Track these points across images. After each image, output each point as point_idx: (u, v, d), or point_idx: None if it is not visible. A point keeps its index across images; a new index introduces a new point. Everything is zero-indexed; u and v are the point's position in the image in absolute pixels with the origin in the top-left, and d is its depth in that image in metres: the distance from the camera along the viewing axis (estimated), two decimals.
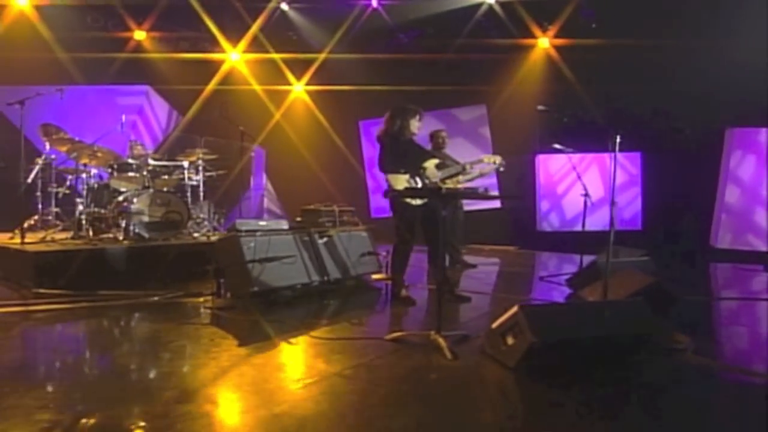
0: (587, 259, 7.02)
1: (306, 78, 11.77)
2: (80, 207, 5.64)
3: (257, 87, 11.02)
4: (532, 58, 10.07)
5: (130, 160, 5.91)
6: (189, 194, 6.53)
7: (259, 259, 4.31)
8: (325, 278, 4.88)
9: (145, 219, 5.64)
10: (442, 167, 4.53)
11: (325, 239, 5.06)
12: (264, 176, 12.09)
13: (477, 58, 9.79)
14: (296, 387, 2.44)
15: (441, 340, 3.05)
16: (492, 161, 4.92)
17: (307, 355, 2.96)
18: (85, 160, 5.67)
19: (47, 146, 5.74)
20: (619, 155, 9.46)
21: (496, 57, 9.75)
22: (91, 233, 5.37)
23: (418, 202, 4.15)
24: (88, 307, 3.98)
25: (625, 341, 2.77)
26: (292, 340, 3.22)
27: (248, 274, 4.26)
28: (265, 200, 12.26)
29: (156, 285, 4.69)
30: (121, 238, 5.47)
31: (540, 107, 3.91)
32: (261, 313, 3.95)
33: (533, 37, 9.78)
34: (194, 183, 6.45)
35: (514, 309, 2.71)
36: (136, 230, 5.55)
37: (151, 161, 5.96)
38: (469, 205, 10.45)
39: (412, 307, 4.28)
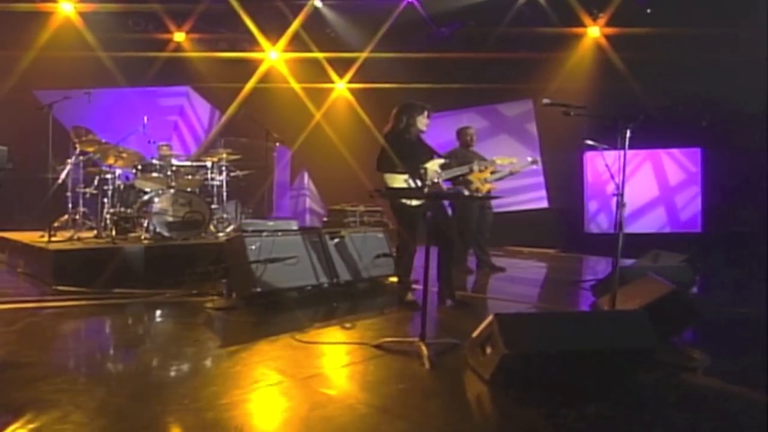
0: (625, 263, 6.73)
1: (348, 76, 11.89)
2: (107, 207, 5.92)
3: (295, 85, 11.19)
4: (581, 48, 9.70)
5: (155, 161, 6.14)
6: (215, 194, 6.74)
7: (262, 260, 4.38)
8: (335, 280, 4.90)
9: (167, 219, 5.86)
10: (448, 167, 4.43)
11: (336, 240, 5.08)
12: (306, 176, 12.30)
13: (522, 50, 9.57)
14: (242, 392, 2.45)
15: (424, 348, 2.98)
16: (507, 162, 4.78)
17: (279, 358, 2.97)
18: (111, 161, 5.94)
19: (77, 148, 6.06)
20: (677, 152, 9.19)
21: (542, 49, 9.48)
22: (114, 232, 5.61)
23: (415, 202, 4.08)
24: (94, 305, 4.16)
25: (619, 356, 2.61)
26: (275, 343, 3.25)
27: (251, 274, 4.34)
28: (307, 200, 12.48)
29: (170, 284, 4.85)
30: (143, 237, 5.71)
31: (545, 101, 3.75)
32: (259, 315, 4.02)
33: (582, 26, 9.41)
34: (218, 183, 6.62)
35: (490, 318, 2.62)
36: (157, 230, 5.78)
37: (174, 162, 6.17)
38: (512, 206, 10.26)
39: (416, 312, 4.22)
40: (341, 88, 12.25)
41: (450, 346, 3.20)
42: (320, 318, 4.02)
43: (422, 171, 4.14)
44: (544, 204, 10.04)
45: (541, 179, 10.08)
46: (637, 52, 8.49)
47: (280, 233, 4.66)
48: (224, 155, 6.67)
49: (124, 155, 5.96)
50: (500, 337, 2.47)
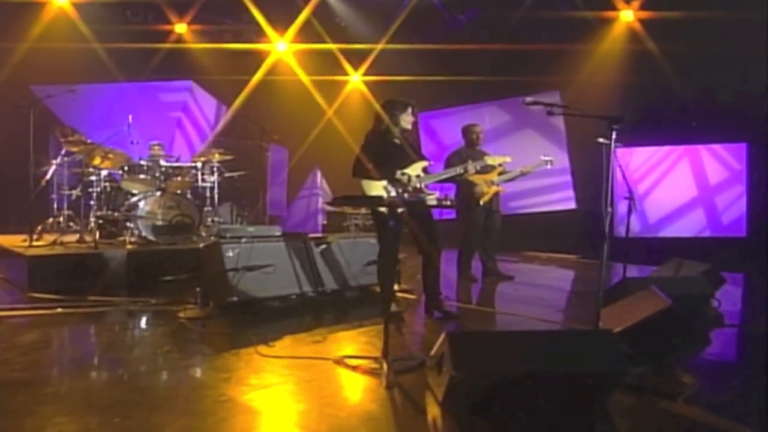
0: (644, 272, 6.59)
1: (363, 68, 11.94)
2: (93, 209, 6.11)
3: (305, 78, 11.29)
4: (612, 35, 9.53)
5: (143, 162, 6.32)
6: (207, 197, 6.89)
7: (239, 268, 4.47)
8: (320, 289, 4.96)
9: (154, 222, 6.02)
10: (432, 171, 4.43)
11: (322, 247, 5.14)
12: (319, 174, 12.41)
13: (546, 37, 9.45)
14: (173, 415, 2.52)
15: (384, 366, 3.01)
16: (499, 161, 4.74)
17: (232, 372, 3.04)
18: (97, 162, 6.14)
19: (63, 148, 6.28)
20: (719, 147, 8.94)
21: (568, 35, 9.34)
22: (97, 236, 5.80)
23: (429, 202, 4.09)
24: (63, 314, 4.31)
25: (584, 381, 2.58)
26: (236, 356, 3.32)
27: (228, 283, 4.44)
28: (320, 200, 12.59)
29: (150, 291, 5.00)
30: (128, 241, 5.88)
31: (527, 99, 3.72)
32: (231, 325, 4.12)
33: (614, 9, 9.24)
34: (209, 185, 6.76)
35: (442, 336, 2.63)
36: (143, 234, 5.95)
37: (162, 163, 6.33)
38: (535, 207, 10.16)
39: (403, 324, 4.26)
40: (356, 80, 12.32)
41: (417, 363, 3.21)
42: (295, 329, 4.07)
43: (402, 176, 4.16)
44: (572, 205, 9.91)
45: (568, 178, 9.95)
46: (675, 38, 8.29)
47: (258, 240, 4.73)
48: (216, 156, 6.81)
49: (111, 156, 6.14)
50: (450, 357, 2.48)
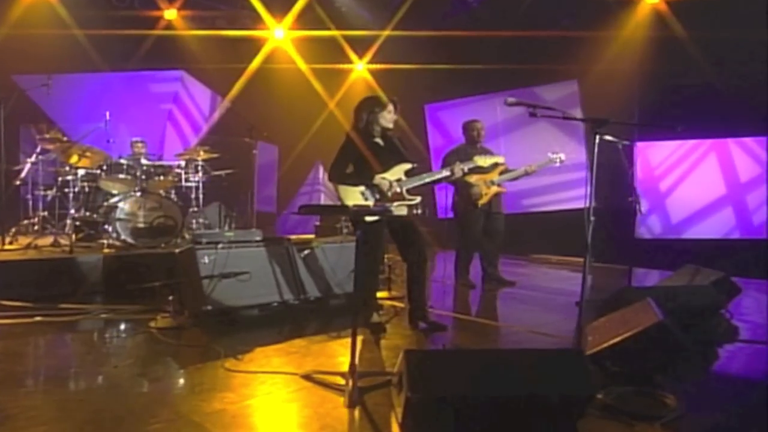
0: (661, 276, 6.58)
1: (369, 55, 12.02)
2: (71, 211, 6.28)
3: (304, 66, 11.38)
4: (635, 18, 9.48)
5: (123, 160, 6.46)
6: (193, 197, 7.02)
7: (214, 275, 4.59)
8: (302, 296, 5.07)
9: (134, 224, 6.17)
10: (414, 174, 4.49)
11: (306, 252, 5.24)
12: (321, 170, 12.53)
13: (564, 22, 9.44)
14: (135, 424, 2.63)
15: (349, 383, 3.10)
16: (488, 163, 4.77)
17: (191, 389, 3.14)
18: (74, 160, 6.30)
19: (39, 146, 6.44)
20: (750, 141, 8.87)
21: (587, 19, 9.32)
22: (73, 239, 5.96)
23: (375, 217, 4.15)
24: (26, 323, 4.46)
25: (548, 403, 2.64)
26: (200, 371, 3.43)
27: (202, 291, 4.56)
28: (322, 196, 12.71)
29: (126, 298, 5.14)
30: (106, 245, 6.04)
31: (509, 99, 3.77)
32: (204, 336, 4.23)
33: None
34: (194, 184, 6.89)
35: (401, 354, 2.71)
36: (122, 236, 6.10)
37: (143, 161, 6.47)
38: (549, 205, 10.16)
39: (384, 335, 4.35)
40: (360, 69, 12.38)
41: (386, 381, 3.29)
42: (269, 340, 4.17)
43: (381, 181, 4.22)
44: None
45: (584, 174, 9.92)
46: (705, 22, 8.22)
47: (236, 245, 4.84)
48: (201, 153, 6.93)
49: (89, 154, 6.30)
50: (407, 377, 2.56)
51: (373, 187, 4.28)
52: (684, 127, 3.67)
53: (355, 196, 4.27)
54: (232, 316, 4.69)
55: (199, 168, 7.01)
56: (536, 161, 6.35)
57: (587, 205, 3.57)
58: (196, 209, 7.04)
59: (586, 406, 2.69)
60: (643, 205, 5.74)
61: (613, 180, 9.35)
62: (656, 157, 9.25)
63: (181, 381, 3.31)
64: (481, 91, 10.85)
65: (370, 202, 4.25)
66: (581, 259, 9.14)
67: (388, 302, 5.47)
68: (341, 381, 3.21)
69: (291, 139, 11.24)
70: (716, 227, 8.82)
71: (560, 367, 2.70)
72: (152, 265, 5.71)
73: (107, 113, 6.72)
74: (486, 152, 6.40)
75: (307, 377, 3.35)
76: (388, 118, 4.44)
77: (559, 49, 9.39)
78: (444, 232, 8.31)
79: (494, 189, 6.28)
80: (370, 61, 12.12)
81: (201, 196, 7.10)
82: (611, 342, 3.52)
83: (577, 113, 10.14)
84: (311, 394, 3.13)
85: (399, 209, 3.63)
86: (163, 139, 10.93)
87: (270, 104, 11.29)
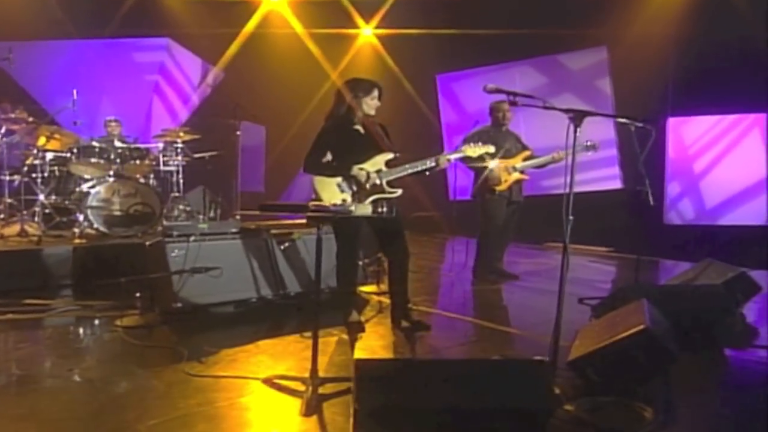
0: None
1: (375, 20, 12.08)
2: (40, 197, 6.55)
3: (303, 32, 11.48)
4: None
5: (95, 143, 6.70)
6: (174, 182, 7.27)
7: (184, 270, 4.82)
8: (282, 292, 5.30)
9: (107, 212, 6.44)
10: (397, 165, 4.63)
11: (286, 245, 5.45)
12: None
13: None
14: None
15: (309, 389, 3.31)
16: (482, 152, 4.87)
17: (146, 395, 3.38)
18: (41, 143, 6.55)
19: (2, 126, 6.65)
20: None
21: None
22: (42, 229, 6.24)
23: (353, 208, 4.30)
24: None
25: (505, 418, 2.81)
26: (160, 375, 3.66)
27: (172, 287, 4.80)
28: None
29: (97, 293, 5.40)
30: (77, 234, 6.31)
31: (489, 86, 3.89)
32: (172, 336, 4.47)
33: None
34: (173, 168, 7.12)
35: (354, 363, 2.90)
36: (95, 225, 6.37)
37: (118, 143, 6.71)
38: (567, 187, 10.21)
39: (362, 335, 4.58)
40: (368, 34, 12.46)
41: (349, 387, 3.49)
42: (240, 340, 4.38)
43: (359, 172, 4.38)
44: (617, 184, 9.95)
45: (613, 152, 9.96)
46: None
47: (210, 238, 5.06)
48: (181, 135, 7.15)
49: (57, 136, 6.55)
50: (355, 388, 2.76)
51: (351, 179, 4.45)
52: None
53: (331, 188, 4.45)
54: (205, 314, 4.93)
55: (179, 151, 7.22)
56: (560, 145, 6.34)
57: (565, 200, 3.67)
58: (177, 195, 7.28)
59: (545, 420, 2.87)
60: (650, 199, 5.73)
61: (649, 159, 9.47)
62: (691, 135, 9.27)
63: (137, 386, 3.54)
64: (498, 60, 10.91)
65: (347, 195, 4.43)
66: (600, 248, 9.30)
67: (376, 297, 5.68)
68: (302, 387, 3.43)
69: (289, 114, 11.40)
70: (755, 213, 8.84)
71: (520, 379, 2.87)
72: (127, 258, 5.95)
73: (74, 92, 6.89)
74: (511, 137, 6.53)
75: (268, 382, 3.57)
76: (371, 104, 4.58)
77: (587, 11, 9.39)
78: (455, 216, 8.48)
79: (515, 176, 6.40)
80: (378, 26, 12.20)
81: (181, 180, 7.32)
82: (593, 348, 3.68)
83: (606, 83, 10.20)
84: (268, 401, 3.35)
85: (362, 209, 3.79)
86: (149, 114, 11.18)
87: (264, 75, 11.44)
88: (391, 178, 4.55)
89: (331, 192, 4.43)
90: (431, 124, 11.86)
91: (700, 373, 4.06)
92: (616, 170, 9.98)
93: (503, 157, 6.27)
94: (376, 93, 4.61)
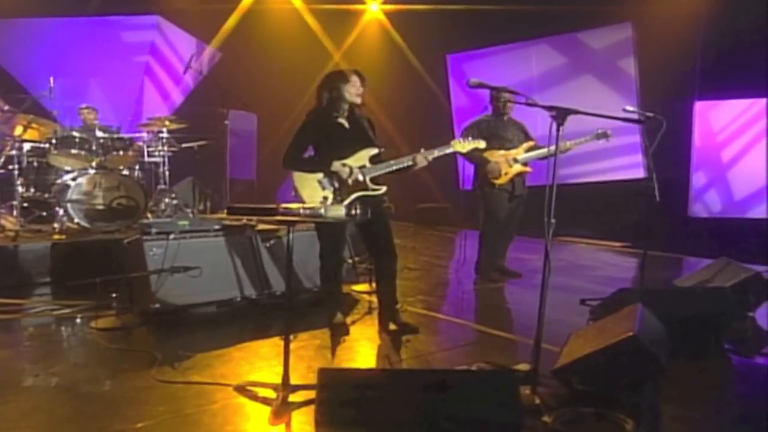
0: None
1: None
2: (18, 190, 6.77)
3: (303, 7, 11.58)
4: None
5: (75, 133, 6.91)
6: (161, 173, 7.47)
7: (162, 270, 5.01)
8: (267, 292, 5.49)
9: (88, 206, 6.65)
10: (381, 161, 4.76)
11: (271, 242, 5.63)
12: None
13: None
14: None
15: (279, 397, 3.49)
16: (463, 149, 4.94)
17: (112, 403, 3.57)
18: (18, 132, 6.77)
19: None
20: None
21: None
22: (21, 223, 6.47)
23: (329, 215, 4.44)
24: None
25: (473, 431, 2.96)
26: (131, 381, 3.86)
27: (149, 287, 5.00)
28: None
29: (76, 292, 5.61)
30: (57, 230, 6.54)
31: (472, 80, 4.01)
32: (148, 339, 4.68)
33: None
34: (159, 159, 7.32)
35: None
36: (76, 220, 6.59)
37: (99, 133, 6.92)
38: (588, 176, 10.29)
39: (345, 338, 4.75)
40: (374, 10, 12.53)
41: None
42: (220, 343, 4.56)
43: (341, 168, 4.53)
44: (639, 173, 10.00)
45: (636, 138, 10.00)
46: None
47: (191, 235, 5.26)
48: (166, 124, 7.34)
49: (35, 125, 6.76)
50: (317, 398, 2.93)
51: (332, 175, 4.61)
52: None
53: (311, 184, 4.61)
54: (185, 315, 5.13)
55: (165, 141, 7.41)
56: (573, 139, 6.41)
57: (548, 201, 3.79)
58: (163, 186, 7.48)
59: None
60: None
61: (674, 145, 9.52)
62: (719, 120, 9.31)
63: (103, 392, 3.74)
64: (514, 39, 10.97)
65: (328, 192, 4.59)
66: (615, 243, 9.39)
67: (367, 297, 5.86)
68: (273, 395, 3.61)
69: (288, 97, 11.53)
70: None
71: (487, 390, 3.02)
72: (108, 255, 6.16)
73: (51, 79, 7.07)
74: (513, 127, 6.63)
75: (239, 389, 3.74)
76: (352, 91, 4.71)
77: None
78: (464, 207, 8.62)
79: (517, 168, 6.46)
80: (385, 1, 12.28)
81: (167, 172, 7.52)
82: (579, 356, 3.82)
83: (630, 64, 10.24)
84: (237, 409, 3.51)
85: (335, 210, 3.92)
86: (140, 98, 11.40)
87: (262, 55, 11.57)
88: (374, 174, 4.69)
89: (312, 188, 4.59)
90: (441, 108, 11.96)
91: (698, 382, 4.14)
92: (639, 158, 10.03)
93: (504, 148, 6.36)
94: (355, 79, 4.74)
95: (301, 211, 3.70)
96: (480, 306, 6.06)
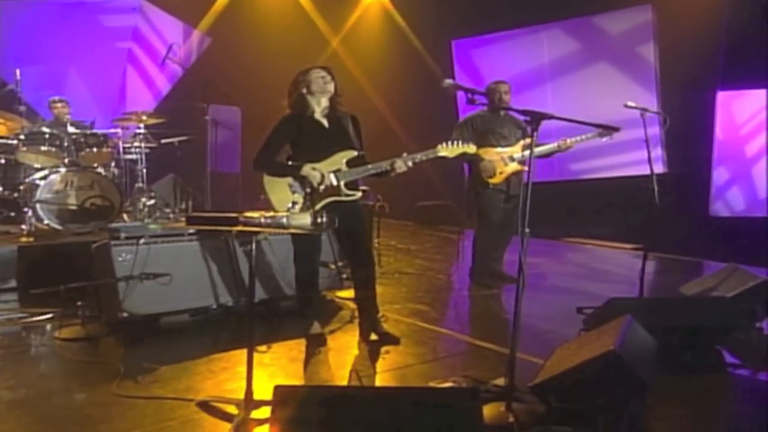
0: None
1: None
2: None
3: None
4: None
5: (45, 128, 7.09)
6: (138, 171, 7.64)
7: (130, 276, 5.18)
8: (243, 299, 5.64)
9: (59, 206, 6.83)
10: (358, 164, 4.85)
11: (249, 246, 5.77)
12: None
13: None
14: None
15: (241, 413, 3.65)
16: (458, 152, 5.02)
17: (63, 421, 3.73)
18: None
19: None
20: None
21: None
22: None
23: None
24: None
25: None
26: (90, 394, 4.02)
27: (118, 295, 5.16)
28: None
29: (41, 299, 5.77)
30: (25, 231, 6.73)
31: (447, 82, 4.13)
32: (114, 349, 4.86)
33: None
34: (135, 156, 7.49)
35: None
36: (46, 221, 6.78)
37: (71, 129, 7.09)
38: (604, 171, 10.36)
39: (321, 349, 4.90)
40: None
41: None
42: (189, 354, 4.71)
43: (312, 172, 4.66)
44: (659, 168, 10.04)
45: (656, 130, 10.04)
46: None
47: (163, 240, 5.42)
48: (143, 118, 7.50)
49: (2, 120, 6.94)
50: (271, 417, 3.09)
51: (304, 179, 4.75)
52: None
53: (282, 188, 4.75)
54: (155, 325, 5.30)
55: (142, 137, 7.56)
56: (573, 137, 6.56)
57: (521, 216, 3.90)
58: (141, 185, 7.65)
59: None
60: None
61: (691, 141, 9.60)
62: (744, 111, 9.36)
63: (58, 408, 3.87)
64: (524, 23, 11.01)
65: (299, 197, 4.73)
66: (626, 245, 9.46)
67: (352, 304, 5.99)
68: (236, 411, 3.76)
69: (282, 85, 11.64)
70: None
71: (446, 409, 3.16)
72: (79, 260, 6.31)
73: (17, 71, 7.21)
74: (509, 122, 6.73)
75: (202, 404, 3.89)
76: (320, 83, 4.82)
77: None
78: (467, 205, 8.74)
79: (513, 167, 6.56)
80: None
81: (145, 170, 7.68)
82: (558, 371, 3.95)
83: (650, 50, 10.29)
84: (197, 427, 3.67)
85: (300, 219, 4.02)
86: (123, 87, 11.56)
87: (253, 41, 11.69)
88: (350, 179, 4.82)
89: (282, 193, 4.73)
90: (446, 97, 12.02)
91: (694, 398, 4.22)
92: (658, 151, 10.06)
93: (499, 145, 6.47)
94: (318, 70, 4.87)
95: (262, 220, 3.80)
96: (470, 314, 6.18)
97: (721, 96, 9.39)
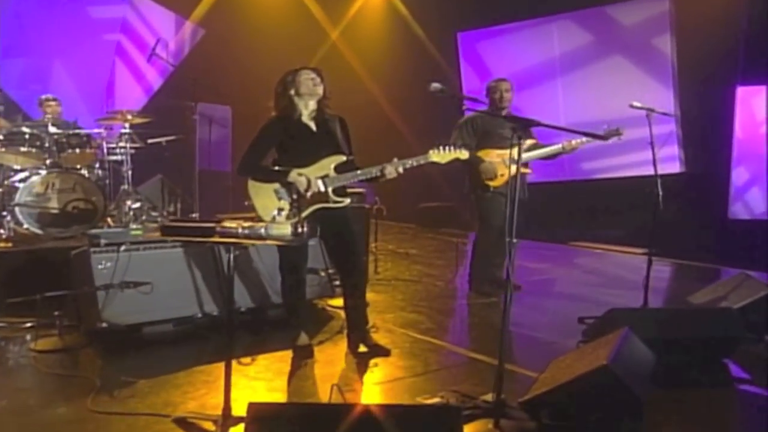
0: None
1: None
2: None
3: None
4: None
5: (25, 129, 7.19)
6: (124, 172, 7.73)
7: (110, 285, 5.26)
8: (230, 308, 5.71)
9: (39, 210, 6.93)
10: (347, 170, 4.92)
11: (236, 253, 5.85)
12: None
13: None
14: None
15: (217, 430, 3.74)
16: (443, 160, 5.05)
17: None
18: None
19: None
20: None
21: None
22: None
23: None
24: None
25: None
26: (60, 411, 4.09)
27: (97, 304, 5.25)
28: None
29: (17, 308, 5.87)
30: (5, 236, 6.83)
31: (434, 85, 4.19)
32: (93, 361, 4.94)
33: None
34: (119, 157, 7.58)
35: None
36: (25, 225, 6.88)
37: (52, 128, 7.17)
38: (617, 171, 10.37)
39: (308, 362, 4.98)
40: None
41: None
42: (170, 367, 4.78)
43: (298, 178, 4.74)
44: (675, 167, 10.09)
45: (672, 128, 10.08)
46: None
47: (145, 247, 5.50)
48: (128, 117, 7.58)
49: None
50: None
51: (290, 185, 4.83)
52: None
53: (267, 194, 4.82)
54: (137, 335, 5.38)
55: (128, 137, 7.65)
56: (578, 138, 6.50)
57: (509, 225, 3.96)
58: (126, 187, 7.73)
59: None
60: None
61: (705, 140, 9.63)
62: (765, 108, 9.36)
63: (28, 426, 3.95)
64: (533, 14, 11.03)
65: (285, 204, 4.80)
66: (635, 249, 9.52)
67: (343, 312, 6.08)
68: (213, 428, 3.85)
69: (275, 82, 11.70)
70: None
71: (427, 427, 3.24)
72: (61, 265, 6.40)
73: None
74: (517, 122, 6.76)
75: (178, 420, 3.97)
76: (309, 84, 4.90)
77: None
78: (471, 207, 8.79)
79: (514, 169, 6.58)
80: None
81: (131, 171, 7.76)
82: (550, 387, 4.01)
83: (666, 42, 10.32)
84: None
85: (280, 229, 4.07)
86: (111, 82, 11.65)
87: (248, 34, 11.75)
88: (338, 185, 4.90)
89: (267, 199, 4.81)
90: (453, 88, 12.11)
91: (696, 413, 4.29)
92: (675, 150, 10.11)
93: (500, 147, 6.51)
94: (307, 72, 4.95)
95: (240, 230, 3.88)
96: (467, 324, 6.25)
97: (741, 91, 9.40)
